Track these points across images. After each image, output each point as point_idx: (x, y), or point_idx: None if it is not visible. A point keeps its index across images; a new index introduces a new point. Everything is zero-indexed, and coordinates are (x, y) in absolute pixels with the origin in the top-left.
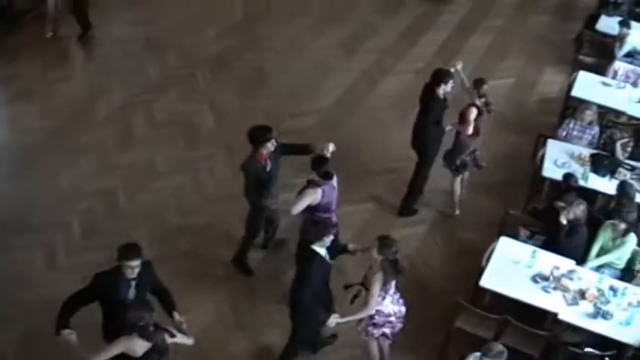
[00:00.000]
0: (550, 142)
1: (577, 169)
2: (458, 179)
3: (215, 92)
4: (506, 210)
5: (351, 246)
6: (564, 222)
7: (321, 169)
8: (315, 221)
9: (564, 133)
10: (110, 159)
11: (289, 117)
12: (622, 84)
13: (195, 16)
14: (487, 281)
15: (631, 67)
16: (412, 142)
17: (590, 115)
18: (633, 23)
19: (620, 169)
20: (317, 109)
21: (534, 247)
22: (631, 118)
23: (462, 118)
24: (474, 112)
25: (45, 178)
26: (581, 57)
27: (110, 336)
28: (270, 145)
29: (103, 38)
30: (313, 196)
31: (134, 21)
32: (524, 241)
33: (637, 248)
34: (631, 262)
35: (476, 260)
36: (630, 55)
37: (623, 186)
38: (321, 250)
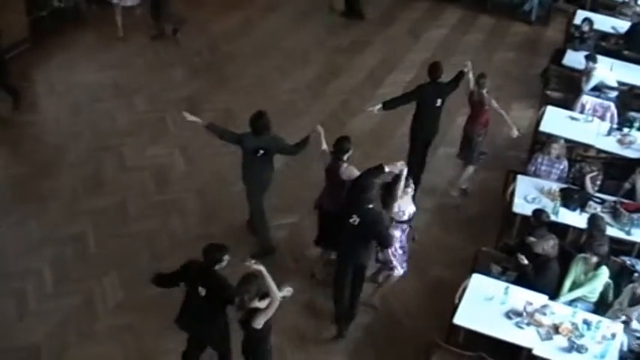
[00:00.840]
0: (520, 177)
1: (547, 204)
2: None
3: (185, 135)
4: (478, 247)
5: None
6: (525, 262)
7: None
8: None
9: (533, 169)
10: (80, 204)
11: None
12: (590, 118)
13: (163, 59)
14: (461, 318)
15: (598, 100)
16: None
17: (557, 149)
18: (599, 57)
19: (590, 203)
20: None
21: (507, 284)
22: (599, 151)
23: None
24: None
25: (14, 225)
26: (548, 92)
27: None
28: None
29: (72, 83)
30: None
31: (102, 66)
32: (497, 278)
33: (609, 281)
34: (604, 295)
35: (449, 297)
36: (597, 89)
37: (593, 219)
38: None
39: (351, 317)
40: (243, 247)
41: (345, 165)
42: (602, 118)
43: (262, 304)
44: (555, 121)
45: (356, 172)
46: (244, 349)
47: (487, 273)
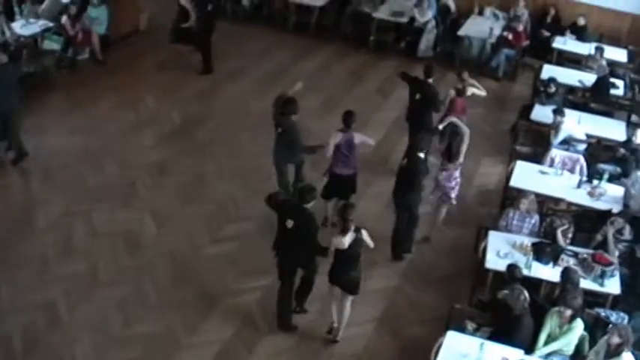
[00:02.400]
0: (491, 233)
1: (520, 259)
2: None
3: (155, 199)
4: (452, 304)
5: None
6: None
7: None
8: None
9: (505, 224)
10: (50, 270)
11: (230, 222)
12: (559, 171)
13: (134, 123)
14: None
15: (567, 153)
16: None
17: (527, 204)
18: (567, 111)
19: (563, 256)
20: (256, 215)
21: (482, 340)
22: (570, 204)
23: (451, 106)
24: (452, 93)
25: None
26: (517, 147)
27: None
28: None
29: (42, 148)
30: (336, 138)
31: (72, 130)
32: (472, 334)
33: (584, 333)
34: (579, 347)
35: (424, 356)
36: (566, 142)
37: (566, 272)
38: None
39: (407, 249)
40: (217, 312)
41: (355, 133)
42: (571, 170)
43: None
44: (525, 175)
45: (364, 137)
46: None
47: (462, 330)
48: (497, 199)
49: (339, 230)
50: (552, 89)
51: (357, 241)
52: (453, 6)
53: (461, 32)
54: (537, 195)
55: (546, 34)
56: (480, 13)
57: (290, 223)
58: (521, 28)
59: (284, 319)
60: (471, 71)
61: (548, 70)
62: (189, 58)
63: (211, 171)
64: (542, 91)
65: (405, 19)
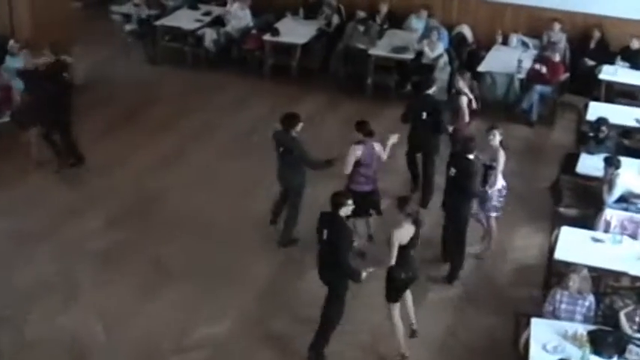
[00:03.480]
0: (534, 321)
1: (574, 353)
2: None
3: (104, 298)
4: None
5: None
6: None
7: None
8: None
9: (551, 308)
10: None
11: (200, 323)
12: (618, 237)
13: (75, 202)
14: None
15: (626, 214)
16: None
17: (578, 281)
18: (623, 160)
19: (631, 347)
20: (234, 314)
21: None
22: (634, 279)
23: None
24: (464, 100)
25: None
26: (561, 209)
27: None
28: None
29: None
30: (356, 152)
31: (1, 210)
32: None
33: None
34: None
35: None
36: (624, 200)
37: None
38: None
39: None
40: None
41: (374, 143)
42: (633, 236)
43: None
44: (574, 245)
45: (381, 147)
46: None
47: None
48: (540, 278)
49: (399, 224)
50: (602, 133)
51: (417, 235)
52: (469, 35)
53: (482, 68)
54: (591, 269)
55: (590, 63)
56: (505, 42)
57: (325, 234)
58: (557, 58)
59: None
60: (496, 116)
61: (596, 109)
62: (142, 115)
63: (174, 258)
64: (590, 137)
65: (409, 55)
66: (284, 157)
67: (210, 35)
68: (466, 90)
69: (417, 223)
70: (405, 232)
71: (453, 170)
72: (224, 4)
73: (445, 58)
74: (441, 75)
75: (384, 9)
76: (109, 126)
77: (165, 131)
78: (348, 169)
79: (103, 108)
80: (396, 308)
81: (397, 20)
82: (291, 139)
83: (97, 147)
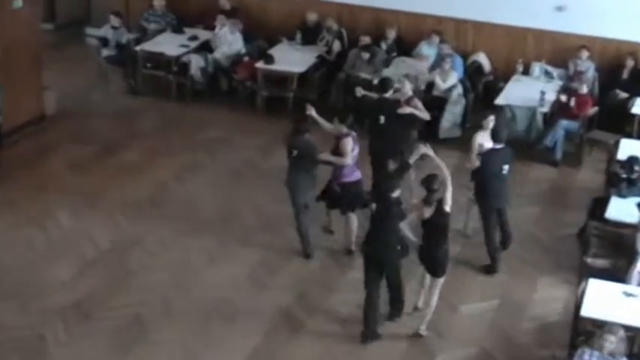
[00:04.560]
0: None
1: None
2: None
3: (74, 357)
4: None
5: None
6: None
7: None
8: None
9: None
10: None
11: None
12: None
13: (41, 249)
14: None
15: None
16: None
17: (613, 342)
18: None
19: None
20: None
21: None
22: None
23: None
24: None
25: None
26: (589, 259)
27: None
28: None
29: None
30: (350, 143)
31: None
32: None
33: None
34: None
35: None
36: None
37: None
38: None
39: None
40: None
41: (349, 136)
42: None
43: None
44: (603, 300)
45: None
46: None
47: None
48: (565, 336)
49: (422, 201)
50: (636, 174)
51: (440, 214)
52: (486, 63)
53: (500, 100)
54: (625, 329)
55: (623, 95)
56: (526, 71)
57: (374, 207)
58: (585, 89)
59: (370, 329)
60: (517, 154)
61: (628, 147)
62: (118, 152)
63: (155, 313)
64: (621, 178)
65: (419, 87)
66: (296, 162)
67: (196, 62)
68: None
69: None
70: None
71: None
72: (212, 28)
73: (459, 90)
74: (454, 109)
75: (391, 34)
76: (81, 163)
77: (144, 172)
78: (349, 159)
79: (75, 143)
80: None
81: (406, 47)
82: (305, 142)
83: (68, 185)
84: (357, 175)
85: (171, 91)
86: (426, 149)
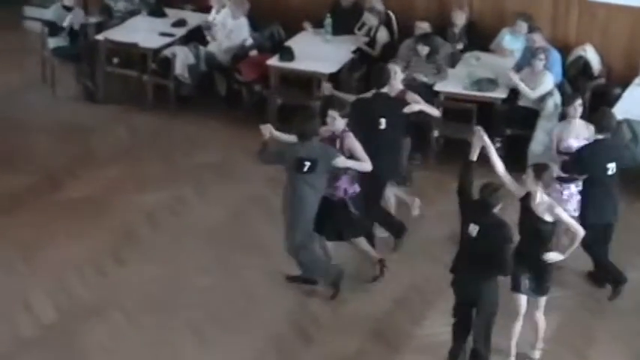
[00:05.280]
0: None
1: None
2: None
3: None
4: None
5: None
6: None
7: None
8: None
9: None
10: None
11: None
12: None
13: None
14: None
15: None
16: None
17: None
18: None
19: None
20: None
21: None
22: None
23: None
24: None
25: None
26: None
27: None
28: None
29: None
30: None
31: None
32: None
33: None
34: None
35: None
36: None
37: None
38: None
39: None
40: None
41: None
42: None
43: None
44: None
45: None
46: None
47: None
48: None
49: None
50: None
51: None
52: (596, 62)
53: (616, 113)
54: None
55: None
56: None
57: (474, 230)
58: None
59: None
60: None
61: None
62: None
63: None
64: None
65: (499, 94)
66: (300, 177)
67: (183, 58)
68: None
69: None
70: None
71: None
72: (206, 9)
73: (556, 99)
74: (549, 124)
75: (460, 19)
76: (13, 200)
77: (104, 213)
78: (369, 163)
79: (5, 170)
80: None
81: (481, 37)
82: (318, 148)
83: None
84: (357, 187)
85: (147, 97)
86: (483, 135)
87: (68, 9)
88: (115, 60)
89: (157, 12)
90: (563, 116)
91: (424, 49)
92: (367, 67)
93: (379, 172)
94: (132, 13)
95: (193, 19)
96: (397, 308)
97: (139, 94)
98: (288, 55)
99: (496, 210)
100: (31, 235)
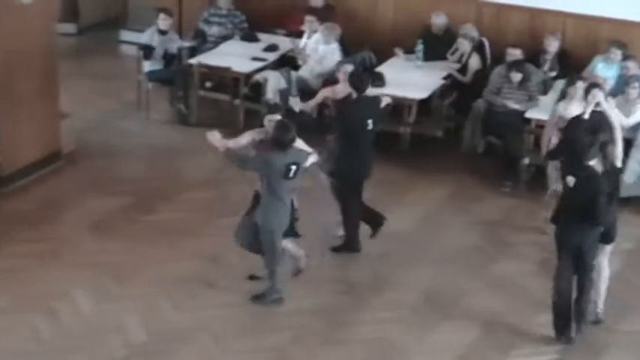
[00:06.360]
0: None
1: None
2: None
3: None
4: None
5: None
6: None
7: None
8: None
9: None
10: None
11: None
12: None
13: (53, 346)
14: None
15: None
16: None
17: None
18: None
19: None
20: None
21: None
22: None
23: None
24: None
25: None
26: None
27: None
28: None
29: None
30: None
31: None
32: None
33: None
34: None
35: None
36: None
37: None
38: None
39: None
40: None
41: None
42: None
43: None
44: None
45: None
46: None
47: None
48: None
49: None
50: None
51: None
52: None
53: None
54: None
55: None
56: None
57: (571, 181)
58: None
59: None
60: None
61: None
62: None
63: None
64: None
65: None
66: (284, 183)
67: (274, 82)
68: None
69: None
70: None
71: None
72: (297, 34)
73: None
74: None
75: (552, 46)
76: (106, 221)
77: (195, 237)
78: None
79: (99, 192)
80: None
81: (573, 64)
82: (297, 152)
83: (88, 253)
84: None
85: (238, 120)
86: None
87: (163, 33)
88: (208, 84)
89: (249, 37)
90: None
91: (516, 76)
92: (458, 94)
93: (361, 170)
94: (225, 38)
95: (285, 43)
96: None
97: (230, 119)
98: (379, 80)
99: (592, 163)
100: (124, 257)
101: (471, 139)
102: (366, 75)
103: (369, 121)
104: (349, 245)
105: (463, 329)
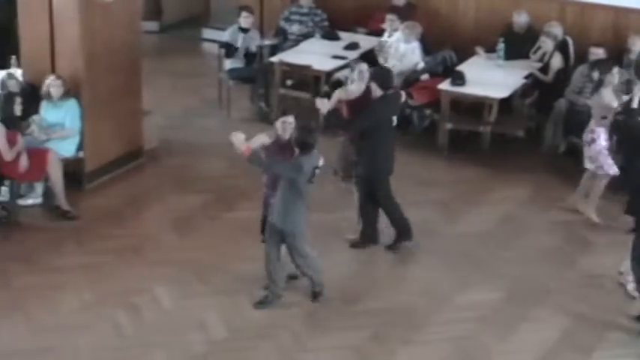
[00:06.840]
0: None
1: None
2: None
3: None
4: None
5: None
6: None
7: None
8: None
9: None
10: None
11: None
12: None
13: (136, 341)
14: None
15: None
16: None
17: None
18: None
19: None
20: None
21: None
22: None
23: None
24: None
25: None
26: None
27: None
28: None
29: None
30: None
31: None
32: None
33: None
34: None
35: None
36: None
37: None
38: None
39: None
40: None
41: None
42: None
43: None
44: None
45: None
46: None
47: None
48: None
49: None
50: None
51: None
52: None
53: None
54: None
55: None
56: None
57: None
58: None
59: None
60: None
61: None
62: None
63: None
64: None
65: None
66: (307, 186)
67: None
68: None
69: None
70: None
71: None
72: (378, 32)
73: None
74: None
75: (637, 46)
76: (188, 218)
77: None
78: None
79: (181, 189)
80: None
81: None
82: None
83: (170, 249)
84: None
85: (319, 119)
86: None
87: (244, 31)
88: (289, 82)
89: (330, 35)
90: None
91: (598, 76)
92: (539, 93)
93: (388, 168)
94: (306, 36)
95: (366, 42)
96: None
97: (311, 116)
98: (459, 79)
99: None
100: (205, 254)
101: (553, 138)
102: (390, 71)
103: (394, 118)
104: (406, 234)
105: (545, 329)
